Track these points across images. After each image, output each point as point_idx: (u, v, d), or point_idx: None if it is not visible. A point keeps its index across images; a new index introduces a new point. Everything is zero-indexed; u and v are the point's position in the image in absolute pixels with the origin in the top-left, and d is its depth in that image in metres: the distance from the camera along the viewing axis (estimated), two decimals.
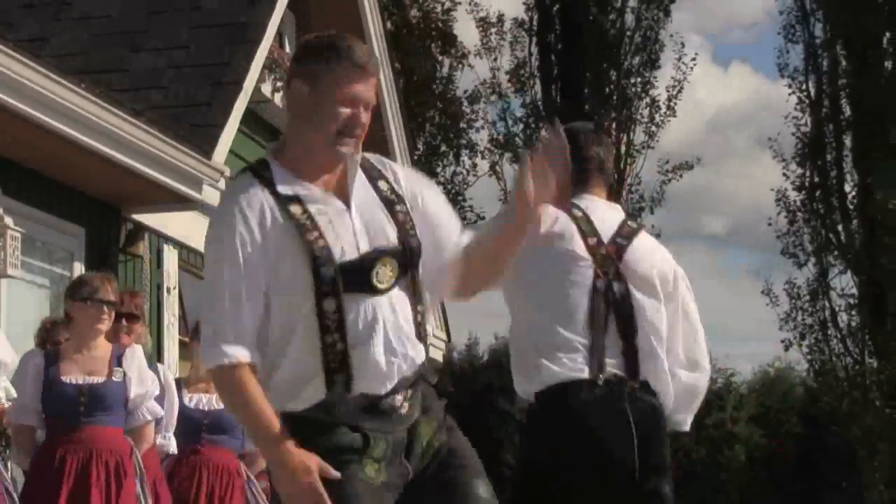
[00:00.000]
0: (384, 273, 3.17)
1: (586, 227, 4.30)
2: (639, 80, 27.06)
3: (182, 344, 10.75)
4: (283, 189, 3.19)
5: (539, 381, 4.17)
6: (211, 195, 10.18)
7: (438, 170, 27.60)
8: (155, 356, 9.52)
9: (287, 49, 13.25)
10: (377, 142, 13.06)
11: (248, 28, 11.55)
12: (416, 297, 3.27)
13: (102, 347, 6.24)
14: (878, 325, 26.06)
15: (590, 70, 26.76)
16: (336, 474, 3.06)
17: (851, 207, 26.59)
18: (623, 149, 26.62)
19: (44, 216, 9.45)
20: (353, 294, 3.14)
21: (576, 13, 26.86)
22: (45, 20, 12.01)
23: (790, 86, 27.24)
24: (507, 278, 3.95)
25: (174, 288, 11.11)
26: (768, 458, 37.06)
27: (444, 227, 3.37)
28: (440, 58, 27.87)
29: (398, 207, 3.28)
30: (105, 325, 6.22)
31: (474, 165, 28.25)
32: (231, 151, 10.97)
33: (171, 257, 11.13)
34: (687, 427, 4.47)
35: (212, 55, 11.38)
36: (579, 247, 4.27)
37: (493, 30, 28.01)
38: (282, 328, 3.17)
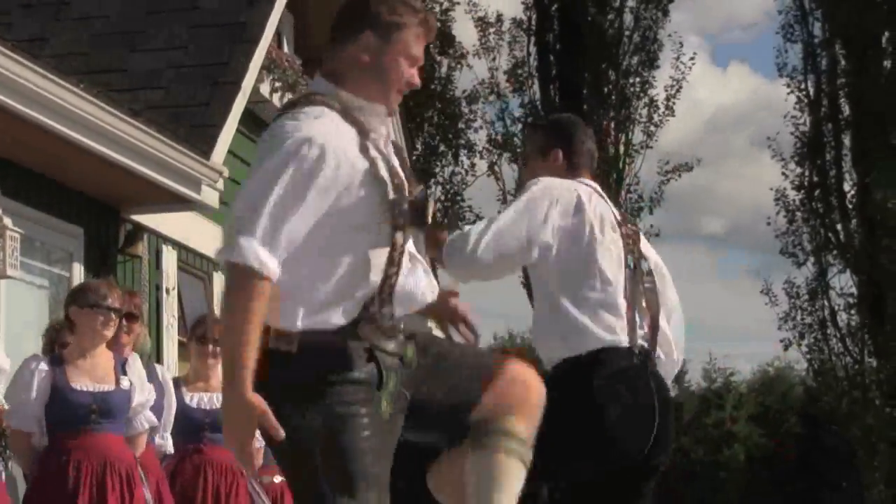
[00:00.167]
0: (430, 210, 3.38)
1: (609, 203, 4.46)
2: (637, 79, 27.03)
3: (181, 344, 10.74)
4: (360, 123, 3.31)
5: (580, 344, 4.21)
6: (210, 195, 10.17)
7: (437, 170, 27.57)
8: (154, 356, 9.51)
9: (285, 49, 13.25)
10: None
11: (246, 28, 11.54)
12: None
13: (104, 354, 6.22)
14: (878, 325, 26.05)
15: (588, 70, 26.73)
16: (281, 434, 3.09)
17: (850, 207, 26.58)
18: (622, 149, 26.61)
19: (43, 217, 9.43)
20: (412, 228, 3.33)
21: (574, 13, 26.84)
22: (44, 20, 11.99)
23: (789, 85, 27.29)
24: (541, 248, 4.18)
25: (173, 288, 11.10)
26: (768, 457, 37.11)
27: None
28: (438, 58, 27.81)
29: (404, 154, 3.50)
30: (111, 332, 6.20)
31: (473, 165, 28.22)
32: (230, 152, 10.95)
33: (169, 258, 11.12)
34: None
35: (210, 55, 11.37)
36: (610, 217, 4.37)
37: (492, 30, 27.96)
38: (345, 249, 3.24)
